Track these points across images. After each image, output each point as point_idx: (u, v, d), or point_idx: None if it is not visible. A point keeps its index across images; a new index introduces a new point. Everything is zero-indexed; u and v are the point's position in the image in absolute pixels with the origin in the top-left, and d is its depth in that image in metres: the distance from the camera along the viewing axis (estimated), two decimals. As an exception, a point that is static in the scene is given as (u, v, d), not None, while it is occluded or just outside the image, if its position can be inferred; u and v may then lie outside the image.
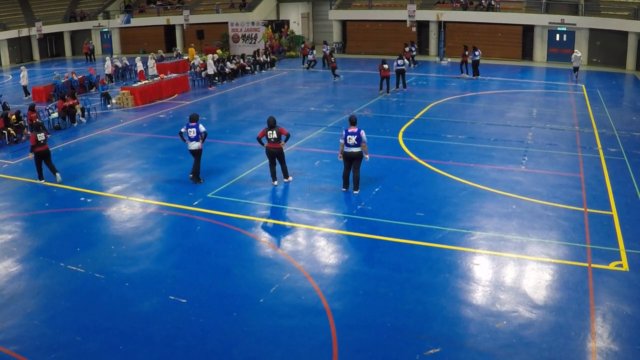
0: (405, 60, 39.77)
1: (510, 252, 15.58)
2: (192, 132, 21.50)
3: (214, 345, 12.25)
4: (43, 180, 23.09)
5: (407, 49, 48.14)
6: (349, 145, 19.55)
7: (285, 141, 20.90)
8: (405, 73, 39.28)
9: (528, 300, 13.22)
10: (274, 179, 21.28)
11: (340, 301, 13.61)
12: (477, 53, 41.85)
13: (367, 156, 19.82)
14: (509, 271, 14.70)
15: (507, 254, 15.48)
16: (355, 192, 20.06)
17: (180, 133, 21.71)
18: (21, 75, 43.86)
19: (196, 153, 21.77)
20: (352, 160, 19.89)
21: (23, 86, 43.33)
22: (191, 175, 21.94)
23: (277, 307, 13.51)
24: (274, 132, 20.62)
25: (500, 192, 19.70)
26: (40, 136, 22.54)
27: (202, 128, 21.72)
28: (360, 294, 13.94)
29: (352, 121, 19.83)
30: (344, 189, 20.34)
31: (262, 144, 21.03)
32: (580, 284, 13.93)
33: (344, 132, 19.69)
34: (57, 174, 23.11)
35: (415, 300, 13.42)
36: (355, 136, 19.41)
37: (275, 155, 20.94)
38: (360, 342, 12.06)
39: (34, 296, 14.74)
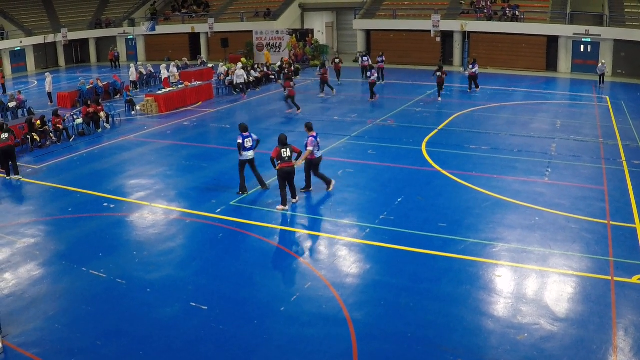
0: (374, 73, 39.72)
1: (532, 264, 15.51)
2: (249, 142, 21.38)
3: (234, 352, 12.28)
4: (12, 176, 24.50)
5: (364, 58, 48.55)
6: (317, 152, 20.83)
7: (296, 160, 20.24)
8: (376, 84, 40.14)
9: (550, 313, 13.16)
10: (286, 202, 19.98)
11: (361, 311, 13.61)
12: (472, 66, 41.48)
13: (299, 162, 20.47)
14: (531, 283, 14.63)
15: (529, 266, 15.42)
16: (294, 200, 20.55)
17: (239, 145, 21.18)
18: (46, 81, 44.20)
19: (252, 161, 21.68)
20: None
21: (48, 93, 43.66)
22: (260, 186, 22.11)
23: (298, 315, 13.53)
24: (288, 149, 19.86)
25: (523, 204, 19.62)
26: (4, 135, 23.20)
27: (254, 136, 21.75)
28: (381, 304, 13.94)
29: (309, 127, 21.16)
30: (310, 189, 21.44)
31: (275, 166, 19.99)
32: (603, 297, 13.85)
33: (312, 139, 20.49)
34: (17, 176, 24.38)
35: (436, 311, 13.40)
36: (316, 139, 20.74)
37: (291, 174, 19.95)
38: (381, 352, 12.05)
39: (55, 300, 14.84)
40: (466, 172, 22.98)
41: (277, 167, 19.74)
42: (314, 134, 20.63)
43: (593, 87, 44.08)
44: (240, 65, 44.12)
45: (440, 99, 38.30)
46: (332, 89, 41.80)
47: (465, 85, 44.01)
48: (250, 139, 21.42)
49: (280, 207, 19.75)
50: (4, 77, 53.70)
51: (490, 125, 30.92)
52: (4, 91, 50.04)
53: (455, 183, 21.96)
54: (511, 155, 25.12)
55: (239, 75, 42.48)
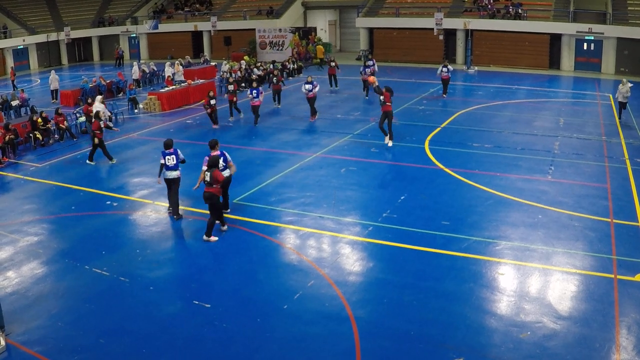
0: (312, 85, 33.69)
1: (535, 262, 15.51)
2: (171, 160, 19.49)
3: (237, 350, 12.31)
4: None
5: (370, 62, 43.46)
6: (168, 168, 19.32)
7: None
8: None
9: (553, 311, 13.17)
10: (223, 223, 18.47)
11: (364, 309, 13.63)
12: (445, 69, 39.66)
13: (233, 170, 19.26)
14: (534, 281, 14.64)
15: (532, 264, 15.42)
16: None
17: (161, 166, 19.53)
18: (50, 78, 44.31)
19: (175, 182, 19.69)
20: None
21: (52, 90, 43.72)
22: (170, 210, 20.08)
23: (301, 313, 13.55)
24: (209, 174, 17.61)
25: (526, 202, 19.62)
26: None
27: (180, 155, 19.77)
28: (384, 302, 13.95)
29: (212, 145, 19.03)
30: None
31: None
32: (606, 295, 13.85)
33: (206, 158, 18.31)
34: None
35: (439, 309, 13.41)
36: (222, 157, 18.68)
37: (207, 200, 17.74)
38: (384, 350, 12.07)
39: (58, 298, 14.88)
40: (469, 170, 22.98)
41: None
42: (215, 153, 18.65)
43: (596, 84, 44.07)
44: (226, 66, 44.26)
45: (445, 95, 38.51)
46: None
47: (468, 83, 44.05)
48: (174, 156, 19.52)
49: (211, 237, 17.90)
50: (15, 74, 53.89)
51: (493, 123, 30.89)
52: (14, 88, 50.28)
53: (458, 181, 21.96)
54: (514, 153, 25.11)
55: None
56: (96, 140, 25.39)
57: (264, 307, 13.96)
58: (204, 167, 17.77)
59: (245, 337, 12.76)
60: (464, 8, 55.84)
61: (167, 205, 20.17)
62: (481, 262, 15.63)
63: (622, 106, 31.73)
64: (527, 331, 12.43)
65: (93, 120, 25.91)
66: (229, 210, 19.36)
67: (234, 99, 34.04)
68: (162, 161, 19.36)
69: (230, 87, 34.78)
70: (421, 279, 14.83)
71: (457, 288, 14.32)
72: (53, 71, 47.21)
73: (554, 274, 14.92)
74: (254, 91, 32.35)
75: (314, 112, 33.44)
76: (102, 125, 25.54)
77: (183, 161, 19.88)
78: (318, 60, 54.68)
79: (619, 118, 31.66)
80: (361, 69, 39.53)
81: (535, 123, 30.92)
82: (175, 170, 19.58)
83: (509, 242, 16.68)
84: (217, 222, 18.05)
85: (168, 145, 19.58)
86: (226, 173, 18.54)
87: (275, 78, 37.44)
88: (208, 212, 17.98)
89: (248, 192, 21.49)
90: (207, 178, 17.40)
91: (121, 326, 13.49)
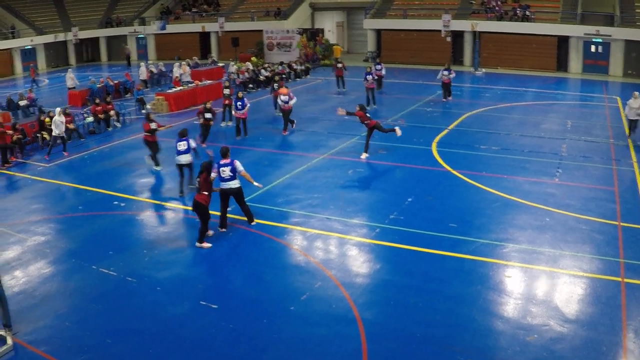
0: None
1: (542, 265, 15.50)
2: (182, 145, 21.58)
3: (244, 351, 12.33)
4: None
5: (378, 66, 42.35)
6: (224, 180, 18.16)
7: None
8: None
9: (560, 314, 13.16)
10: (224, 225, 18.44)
11: (371, 310, 13.64)
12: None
13: (256, 183, 18.94)
14: (541, 284, 14.64)
15: (539, 266, 15.41)
16: (252, 223, 18.86)
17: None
18: (67, 77, 44.67)
19: (187, 166, 21.83)
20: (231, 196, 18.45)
21: (69, 88, 43.98)
22: (181, 193, 21.74)
23: (308, 315, 13.57)
24: (227, 169, 17.88)
25: (533, 204, 19.59)
26: None
27: (192, 144, 21.68)
28: (391, 303, 13.96)
29: (223, 152, 18.46)
30: (222, 229, 18.58)
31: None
32: (613, 298, 13.84)
33: (216, 165, 18.07)
34: None
35: (446, 312, 13.41)
36: (229, 167, 18.14)
37: (197, 209, 17.47)
38: (391, 352, 12.07)
39: (65, 298, 14.93)
40: (476, 172, 22.96)
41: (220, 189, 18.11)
42: (222, 161, 18.23)
43: (603, 87, 44.00)
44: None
45: (447, 99, 38.02)
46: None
47: (475, 85, 44.06)
48: (185, 142, 21.49)
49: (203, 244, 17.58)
50: (35, 73, 54.28)
51: (500, 126, 30.86)
52: (36, 85, 51.50)
53: (465, 183, 21.94)
54: (522, 156, 25.07)
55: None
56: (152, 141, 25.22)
57: (271, 308, 13.98)
58: (213, 174, 17.69)
59: (251, 338, 12.78)
60: (472, 10, 55.82)
61: (175, 205, 20.18)
62: (488, 264, 15.62)
63: (632, 124, 28.27)
64: (534, 334, 12.42)
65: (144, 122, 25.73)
66: (254, 223, 18.74)
67: (229, 102, 33.04)
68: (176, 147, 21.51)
69: (227, 91, 34.47)
70: (428, 281, 14.83)
71: (464, 290, 14.32)
72: (70, 70, 47.56)
73: (561, 277, 14.90)
74: (239, 103, 29.84)
75: (287, 125, 31.02)
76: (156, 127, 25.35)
77: (194, 149, 21.63)
78: (333, 61, 54.23)
79: (629, 136, 28.42)
80: (364, 74, 37.21)
81: (542, 125, 30.87)
82: (186, 154, 21.55)
83: (516, 244, 16.66)
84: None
85: (182, 134, 21.77)
86: (234, 184, 18.19)
87: (276, 84, 35.56)
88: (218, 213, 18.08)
89: (255, 193, 21.46)
90: (197, 185, 17.23)
91: (128, 326, 13.53)
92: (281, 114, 31.41)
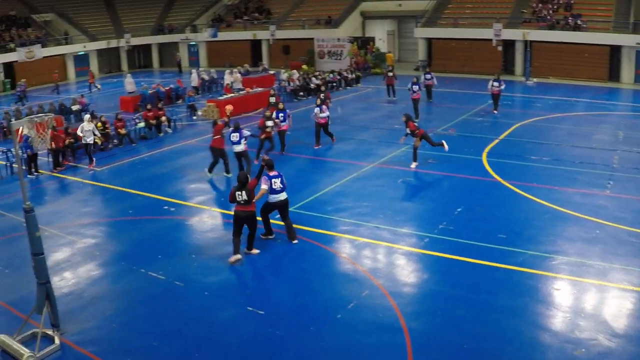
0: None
1: (592, 278, 15.33)
2: (235, 137, 24.17)
3: (289, 358, 12.41)
4: None
5: (427, 75, 41.24)
6: (276, 192, 17.85)
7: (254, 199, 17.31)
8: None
9: (608, 329, 13.01)
10: (237, 251, 17.18)
11: (417, 320, 13.64)
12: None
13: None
14: (590, 298, 14.50)
15: (588, 280, 15.25)
16: (294, 241, 18.30)
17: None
18: (125, 82, 45.36)
19: (243, 155, 24.47)
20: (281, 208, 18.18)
21: (129, 93, 44.67)
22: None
23: (355, 323, 13.60)
24: (244, 192, 16.92)
25: (583, 217, 19.40)
26: None
27: (245, 133, 24.45)
28: (438, 314, 13.95)
29: (270, 165, 18.17)
30: (270, 237, 18.60)
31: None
32: (663, 313, 13.70)
33: (265, 178, 17.80)
34: None
35: (493, 323, 13.35)
36: (280, 179, 17.88)
37: (245, 220, 17.16)
38: (437, 362, 12.09)
39: (113, 300, 15.18)
40: (527, 183, 22.79)
41: (234, 210, 17.39)
42: (273, 173, 17.98)
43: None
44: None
45: (495, 111, 37.27)
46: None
47: (527, 95, 43.77)
48: (237, 134, 24.19)
49: (232, 258, 17.05)
50: (94, 77, 55.40)
51: (551, 136, 30.58)
52: (94, 89, 53.76)
53: (515, 194, 21.81)
54: (572, 167, 24.82)
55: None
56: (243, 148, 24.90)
57: (318, 315, 14.06)
58: (264, 186, 17.62)
59: (297, 345, 12.85)
60: (523, 19, 55.34)
61: (224, 210, 20.36)
62: (537, 276, 15.50)
63: None
64: (581, 348, 12.31)
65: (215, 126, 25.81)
66: (296, 242, 18.35)
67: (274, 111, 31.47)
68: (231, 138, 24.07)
69: (272, 100, 34.69)
70: (476, 292, 14.78)
71: (512, 302, 14.24)
72: (129, 75, 48.50)
73: (610, 291, 14.73)
74: (281, 114, 28.55)
75: (318, 139, 29.79)
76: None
77: (246, 138, 24.22)
78: (384, 70, 53.79)
79: None
80: (409, 85, 36.25)
81: (594, 136, 30.52)
82: (239, 144, 24.10)
83: (566, 257, 16.51)
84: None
85: (236, 127, 24.36)
86: (284, 195, 18.04)
87: (322, 95, 33.66)
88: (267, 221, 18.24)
89: (305, 200, 21.61)
90: (244, 197, 16.85)
91: (175, 329, 13.70)
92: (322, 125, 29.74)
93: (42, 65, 61.04)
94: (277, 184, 17.77)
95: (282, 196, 17.93)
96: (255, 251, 17.59)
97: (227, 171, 25.06)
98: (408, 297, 14.78)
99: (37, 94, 54.71)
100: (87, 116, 29.65)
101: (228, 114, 26.06)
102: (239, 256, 16.97)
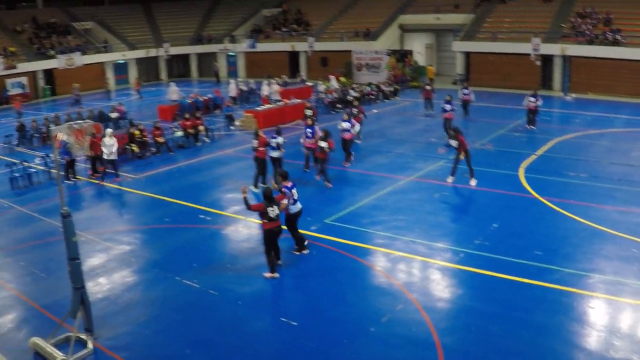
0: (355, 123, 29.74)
1: (628, 297, 15.21)
2: (274, 143, 24.82)
3: (322, 370, 12.46)
4: None
5: (465, 90, 41.08)
6: (295, 202, 17.99)
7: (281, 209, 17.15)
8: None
9: (644, 349, 12.93)
10: (275, 269, 17.08)
11: (451, 336, 13.64)
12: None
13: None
14: (626, 317, 14.40)
15: (624, 299, 15.14)
16: (305, 251, 18.43)
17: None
18: (170, 90, 45.88)
19: (276, 160, 24.96)
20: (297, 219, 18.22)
21: (172, 100, 45.15)
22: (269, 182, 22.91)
23: (388, 337, 13.65)
24: (275, 207, 16.68)
25: (621, 235, 19.21)
26: None
27: (280, 140, 24.83)
28: (472, 330, 13.93)
29: (284, 175, 18.29)
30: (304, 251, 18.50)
31: (248, 207, 16.87)
32: (701, 334, 13.56)
33: (286, 190, 17.84)
34: None
35: (528, 341, 13.30)
36: (295, 188, 18.02)
37: (279, 235, 17.12)
38: (470, 379, 12.08)
39: (147, 307, 15.37)
40: (564, 199, 22.64)
41: (265, 228, 16.84)
42: (288, 184, 18.08)
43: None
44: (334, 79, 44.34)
45: (531, 127, 36.73)
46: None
47: (565, 110, 43.51)
48: (278, 140, 24.82)
49: (269, 274, 16.96)
50: (140, 84, 56.25)
51: (589, 152, 30.35)
52: (139, 96, 55.14)
53: (552, 211, 21.68)
54: (610, 184, 24.59)
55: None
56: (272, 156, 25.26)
57: (351, 328, 14.12)
58: (285, 201, 17.54)
59: (330, 357, 12.94)
60: (562, 33, 54.96)
61: (260, 221, 20.43)
62: (572, 294, 15.42)
63: None
64: (616, 368, 12.27)
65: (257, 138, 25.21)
66: (306, 252, 18.41)
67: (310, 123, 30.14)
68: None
69: (309, 112, 34.30)
70: (511, 309, 14.73)
71: (547, 320, 14.16)
72: (173, 83, 48.99)
73: (647, 311, 14.65)
74: (309, 130, 27.17)
75: (349, 155, 28.81)
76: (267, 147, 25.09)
77: (277, 144, 24.69)
78: (422, 83, 53.51)
79: None
80: (443, 104, 35.11)
81: (633, 153, 30.19)
82: (276, 150, 24.75)
83: (602, 275, 16.39)
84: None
85: (278, 132, 25.13)
86: (300, 205, 18.19)
87: (355, 109, 33.00)
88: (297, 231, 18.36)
89: (340, 212, 21.68)
90: (277, 211, 16.69)
91: (208, 338, 13.87)
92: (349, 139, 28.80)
93: (82, 73, 62.10)
94: (295, 194, 17.93)
95: (300, 205, 18.05)
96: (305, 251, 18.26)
97: (256, 185, 24.77)
98: (442, 312, 14.79)
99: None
100: (108, 130, 28.80)
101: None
102: (277, 275, 16.92)
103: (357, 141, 32.19)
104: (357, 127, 28.87)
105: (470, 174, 24.62)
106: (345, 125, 28.27)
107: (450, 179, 25.02)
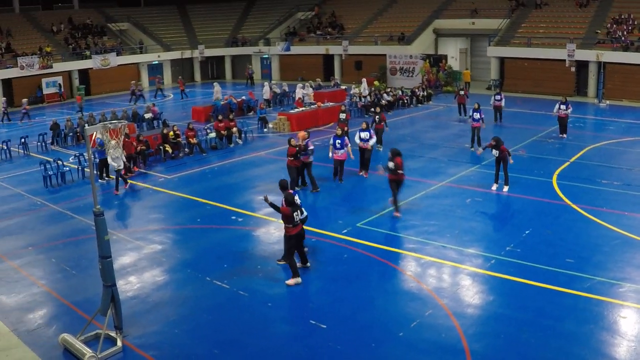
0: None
1: (660, 307, 15.15)
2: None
3: (349, 374, 12.50)
4: None
5: (497, 97, 40.62)
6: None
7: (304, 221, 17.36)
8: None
9: (675, 360, 12.84)
10: (298, 273, 16.99)
11: (480, 342, 13.61)
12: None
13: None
14: (657, 327, 14.32)
15: (656, 308, 15.07)
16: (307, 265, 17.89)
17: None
18: (215, 90, 46.39)
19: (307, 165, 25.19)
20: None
21: (215, 99, 45.69)
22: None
23: (416, 342, 13.66)
24: (298, 211, 16.92)
25: (654, 244, 19.13)
26: None
27: (310, 146, 24.80)
28: (501, 337, 13.90)
29: (283, 186, 18.13)
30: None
31: (278, 209, 17.14)
32: None
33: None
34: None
35: (557, 349, 13.24)
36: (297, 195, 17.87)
37: (304, 238, 17.42)
38: (499, 385, 12.06)
39: (177, 306, 15.49)
40: (596, 207, 22.50)
41: (291, 233, 16.80)
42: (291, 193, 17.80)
43: None
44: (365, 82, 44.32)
45: (563, 135, 35.90)
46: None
47: (599, 117, 43.21)
48: (311, 148, 24.83)
49: (292, 280, 16.80)
50: (184, 84, 57.00)
51: (623, 160, 30.11)
52: (184, 96, 56.15)
53: (584, 218, 21.55)
54: (644, 193, 24.43)
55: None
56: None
57: (380, 332, 14.15)
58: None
59: (359, 361, 12.98)
60: (597, 39, 54.56)
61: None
62: (603, 303, 15.32)
63: None
64: (647, 378, 12.20)
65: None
66: (308, 265, 17.98)
67: (345, 128, 29.36)
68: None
69: (342, 116, 33.82)
70: (541, 317, 14.66)
71: (577, 329, 14.11)
72: (216, 83, 49.22)
73: (679, 321, 14.54)
74: (337, 141, 26.00)
75: (366, 166, 27.60)
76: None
77: (304, 148, 24.53)
78: (456, 88, 53.22)
79: None
80: (470, 112, 33.67)
81: (667, 162, 29.98)
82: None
83: (634, 284, 16.25)
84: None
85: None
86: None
87: (377, 117, 32.60)
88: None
89: (372, 216, 21.71)
90: (301, 216, 17.00)
91: (236, 339, 13.97)
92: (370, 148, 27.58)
93: (116, 73, 62.98)
94: (298, 200, 17.68)
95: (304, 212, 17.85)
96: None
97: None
98: (472, 319, 14.76)
99: (110, 101, 56.01)
100: (113, 142, 27.66)
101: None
102: (299, 280, 16.84)
103: (379, 148, 31.64)
104: (373, 141, 27.45)
105: (505, 180, 24.50)
106: (364, 135, 27.23)
107: (505, 189, 24.68)
